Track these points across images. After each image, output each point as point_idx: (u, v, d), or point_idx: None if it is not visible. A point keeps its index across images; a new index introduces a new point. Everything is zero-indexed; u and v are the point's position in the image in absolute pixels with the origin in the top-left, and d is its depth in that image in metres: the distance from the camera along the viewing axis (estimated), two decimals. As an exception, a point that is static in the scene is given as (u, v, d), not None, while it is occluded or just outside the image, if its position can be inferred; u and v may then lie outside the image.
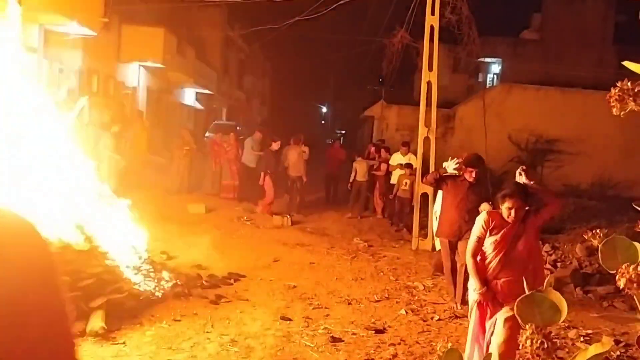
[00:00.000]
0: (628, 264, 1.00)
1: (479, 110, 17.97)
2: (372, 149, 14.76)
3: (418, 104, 10.58)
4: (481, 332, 4.30)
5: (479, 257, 4.32)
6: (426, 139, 10.22)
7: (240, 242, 9.61)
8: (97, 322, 4.79)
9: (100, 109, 13.57)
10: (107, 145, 11.63)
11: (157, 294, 5.75)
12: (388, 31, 15.70)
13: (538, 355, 1.21)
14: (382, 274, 8.12)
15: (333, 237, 10.72)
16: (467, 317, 5.58)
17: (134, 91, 17.00)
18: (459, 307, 6.42)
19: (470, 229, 5.96)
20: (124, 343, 4.75)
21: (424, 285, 7.47)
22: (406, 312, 6.34)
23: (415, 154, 11.16)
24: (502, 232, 4.15)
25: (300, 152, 13.17)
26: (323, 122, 65.61)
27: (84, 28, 12.75)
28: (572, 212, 13.30)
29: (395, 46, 14.44)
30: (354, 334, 5.53)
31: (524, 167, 6.08)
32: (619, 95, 1.21)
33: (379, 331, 5.65)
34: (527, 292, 1.23)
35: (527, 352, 1.22)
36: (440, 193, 7.60)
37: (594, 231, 1.65)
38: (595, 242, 1.52)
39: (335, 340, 5.29)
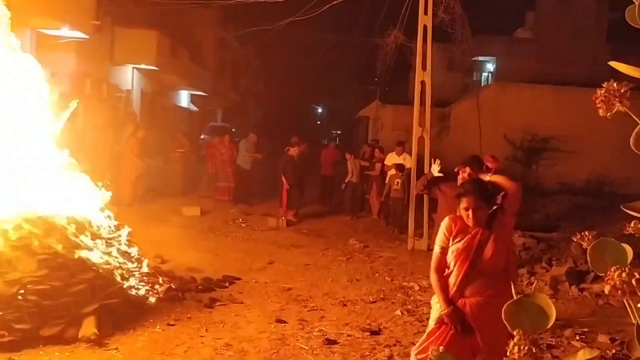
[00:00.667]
0: (615, 268, 0.97)
1: (474, 109, 18.02)
2: (368, 149, 14.76)
3: (413, 104, 10.57)
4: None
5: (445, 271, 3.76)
6: (421, 139, 10.21)
7: (235, 245, 9.58)
8: (89, 328, 4.76)
9: (93, 112, 13.52)
10: (132, 149, 11.72)
11: (150, 298, 5.72)
12: (382, 31, 15.71)
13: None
14: (377, 274, 8.09)
15: (329, 238, 10.70)
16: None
17: (127, 94, 16.93)
18: None
19: None
20: (116, 349, 4.71)
21: (419, 286, 7.45)
22: (402, 313, 6.32)
23: (410, 153, 11.15)
24: (465, 239, 3.45)
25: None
26: (319, 122, 65.56)
27: (75, 31, 12.68)
28: (567, 210, 13.33)
29: (389, 46, 14.43)
30: (349, 335, 5.50)
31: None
32: (604, 97, 1.19)
33: (374, 332, 5.62)
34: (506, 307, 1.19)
35: (514, 359, 1.20)
36: None
37: (582, 233, 1.63)
38: (584, 244, 1.49)
39: (330, 342, 5.26)
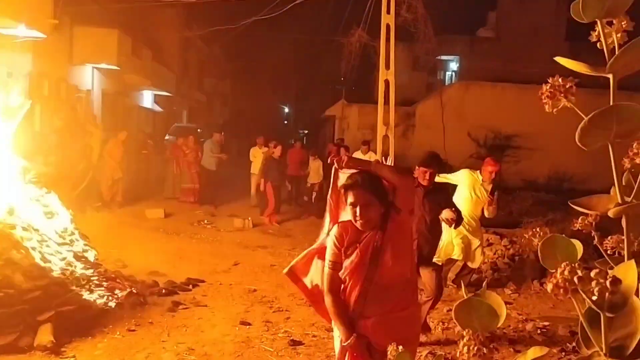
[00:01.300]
0: (563, 265, 0.95)
1: (439, 107, 18.23)
2: (333, 148, 14.75)
3: (378, 103, 10.62)
4: None
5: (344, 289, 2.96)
6: (386, 137, 10.26)
7: (200, 246, 9.45)
8: (45, 335, 4.60)
9: (51, 113, 13.16)
10: (110, 153, 11.54)
11: (110, 304, 5.57)
12: (346, 31, 15.73)
13: (475, 363, 1.17)
14: (343, 274, 8.08)
15: (295, 238, 10.65)
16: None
17: (87, 94, 16.52)
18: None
19: (435, 248, 5.32)
20: (74, 357, 4.57)
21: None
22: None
23: (376, 152, 11.19)
24: (357, 251, 2.83)
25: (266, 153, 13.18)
26: (286, 122, 65.43)
27: (32, 30, 12.31)
28: (530, 206, 13.59)
29: (354, 45, 14.47)
30: (314, 336, 5.47)
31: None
32: (550, 92, 1.17)
33: (339, 332, 5.59)
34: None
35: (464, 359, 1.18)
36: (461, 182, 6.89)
37: (534, 230, 1.63)
38: (535, 241, 1.48)
39: (295, 343, 5.22)
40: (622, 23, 1.05)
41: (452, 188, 6.73)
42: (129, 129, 17.84)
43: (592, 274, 0.81)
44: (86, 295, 5.47)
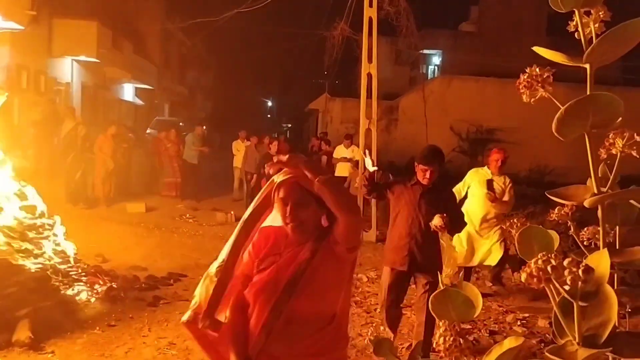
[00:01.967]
0: (538, 257, 0.95)
1: (421, 101, 18.28)
2: (316, 142, 14.75)
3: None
4: None
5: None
6: (368, 131, 10.26)
7: (182, 241, 9.38)
8: (23, 331, 4.53)
9: (30, 106, 12.96)
10: (101, 148, 11.43)
11: (90, 299, 5.50)
12: (329, 24, 15.69)
13: (451, 353, 1.17)
14: (326, 267, 8.09)
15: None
16: (410, 306, 5.61)
17: (67, 87, 16.30)
18: None
19: (431, 256, 4.18)
20: (52, 352, 4.51)
21: (367, 277, 7.48)
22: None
23: (358, 146, 11.19)
24: (272, 266, 2.18)
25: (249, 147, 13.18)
26: (269, 116, 65.28)
27: (9, 22, 12.10)
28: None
29: (336, 39, 14.44)
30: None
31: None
32: (527, 82, 1.17)
33: (322, 325, 5.59)
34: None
35: (440, 350, 1.18)
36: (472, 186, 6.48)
37: (511, 221, 1.63)
38: (513, 232, 1.49)
39: (277, 337, 5.20)
40: (600, 13, 1.05)
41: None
42: (110, 123, 17.67)
43: (565, 263, 0.81)
44: (65, 290, 5.40)
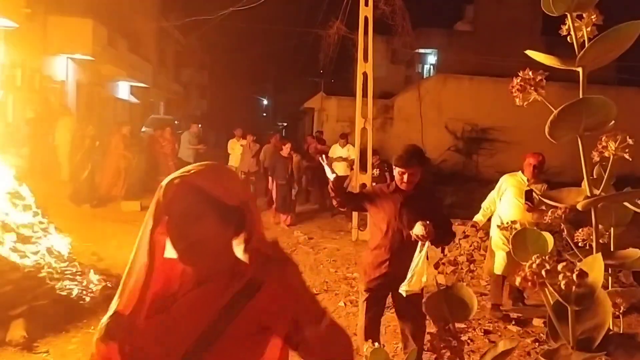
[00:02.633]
0: (532, 259, 0.95)
1: (417, 100, 18.33)
2: (312, 141, 14.70)
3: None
4: None
5: None
6: (364, 130, 10.27)
7: (177, 240, 9.36)
8: (17, 330, 4.52)
9: (24, 105, 12.90)
10: (117, 146, 11.64)
11: (85, 298, 5.49)
12: (324, 23, 15.70)
13: (446, 354, 1.18)
14: (321, 266, 8.09)
15: (272, 230, 10.61)
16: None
17: (61, 85, 16.22)
18: None
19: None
20: (47, 352, 4.50)
21: (363, 276, 7.49)
22: (345, 304, 6.33)
23: (354, 145, 11.20)
24: (165, 313, 1.45)
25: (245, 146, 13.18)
26: (265, 114, 65.18)
27: (4, 19, 12.03)
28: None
29: (332, 38, 14.44)
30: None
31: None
32: (520, 85, 1.17)
33: (317, 325, 5.59)
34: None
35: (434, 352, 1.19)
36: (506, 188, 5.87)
37: (507, 223, 1.64)
38: (506, 234, 1.48)
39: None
40: (592, 17, 1.05)
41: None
42: (105, 121, 17.64)
43: (559, 267, 0.82)
44: (60, 289, 5.38)
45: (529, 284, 0.88)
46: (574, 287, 0.82)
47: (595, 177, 1.20)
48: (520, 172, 5.86)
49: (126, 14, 22.11)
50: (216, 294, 1.43)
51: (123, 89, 23.61)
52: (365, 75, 10.15)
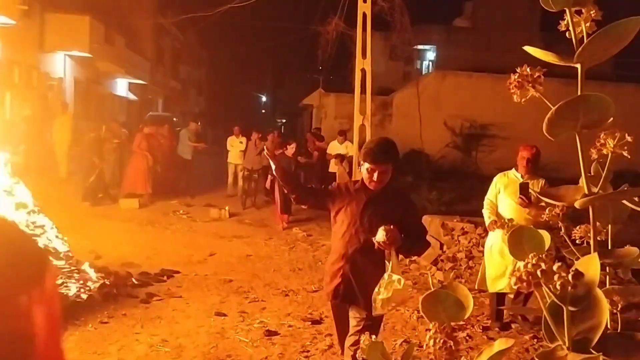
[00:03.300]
0: (529, 258, 0.94)
1: (415, 97, 18.27)
2: (311, 138, 14.69)
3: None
4: None
5: None
6: (362, 127, 10.25)
7: (175, 237, 9.36)
8: (14, 329, 4.50)
9: (22, 102, 12.88)
10: (139, 145, 11.82)
11: (82, 295, 5.47)
12: (323, 19, 15.64)
13: (441, 355, 1.16)
14: (320, 263, 8.07)
15: (271, 227, 10.61)
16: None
17: (59, 82, 16.20)
18: None
19: (373, 285, 3.17)
20: (44, 350, 4.48)
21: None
22: (343, 301, 6.32)
23: (352, 141, 11.19)
24: None
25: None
26: (263, 111, 65.13)
27: (1, 16, 12.01)
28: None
29: (330, 34, 14.40)
30: (290, 326, 5.46)
31: None
32: (518, 82, 1.16)
33: (315, 322, 5.59)
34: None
35: (430, 352, 1.17)
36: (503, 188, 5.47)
37: (503, 220, 1.63)
38: (504, 232, 1.48)
39: (270, 333, 5.20)
40: (591, 12, 1.04)
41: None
42: (103, 118, 17.60)
43: (555, 267, 0.80)
44: (57, 287, 5.37)
45: (525, 284, 0.87)
46: (569, 288, 0.80)
47: (593, 174, 1.19)
48: (513, 169, 5.53)
49: (123, 10, 22.07)
50: None
51: (121, 86, 23.59)
52: (363, 71, 10.13)
